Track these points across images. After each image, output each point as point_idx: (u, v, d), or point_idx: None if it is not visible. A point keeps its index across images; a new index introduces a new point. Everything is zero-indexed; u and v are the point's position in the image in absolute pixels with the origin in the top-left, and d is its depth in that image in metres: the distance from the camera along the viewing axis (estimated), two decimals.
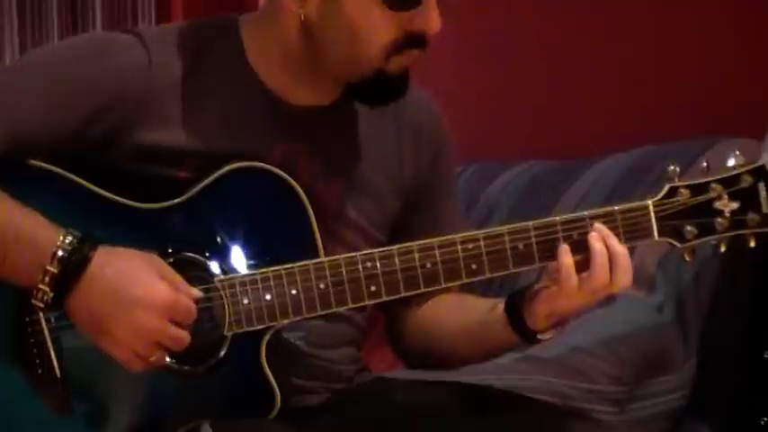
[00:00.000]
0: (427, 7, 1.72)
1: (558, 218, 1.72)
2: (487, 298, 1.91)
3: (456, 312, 1.89)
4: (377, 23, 1.71)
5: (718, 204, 1.71)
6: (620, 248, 1.70)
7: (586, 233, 1.71)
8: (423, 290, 1.73)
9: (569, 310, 1.74)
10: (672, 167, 1.72)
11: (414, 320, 1.93)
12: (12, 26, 3.79)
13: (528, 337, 1.77)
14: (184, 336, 1.67)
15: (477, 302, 1.89)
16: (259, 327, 1.72)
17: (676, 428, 2.51)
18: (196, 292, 1.69)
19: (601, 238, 1.70)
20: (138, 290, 1.66)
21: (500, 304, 1.80)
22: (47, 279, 1.65)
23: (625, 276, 1.70)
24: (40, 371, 1.72)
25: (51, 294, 1.66)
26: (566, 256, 1.70)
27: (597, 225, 1.71)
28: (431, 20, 1.73)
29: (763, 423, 2.38)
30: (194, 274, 1.71)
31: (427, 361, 1.93)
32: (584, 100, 3.17)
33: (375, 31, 1.72)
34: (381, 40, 1.73)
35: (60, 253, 1.65)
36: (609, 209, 1.73)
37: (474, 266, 1.73)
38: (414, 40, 1.74)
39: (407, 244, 1.73)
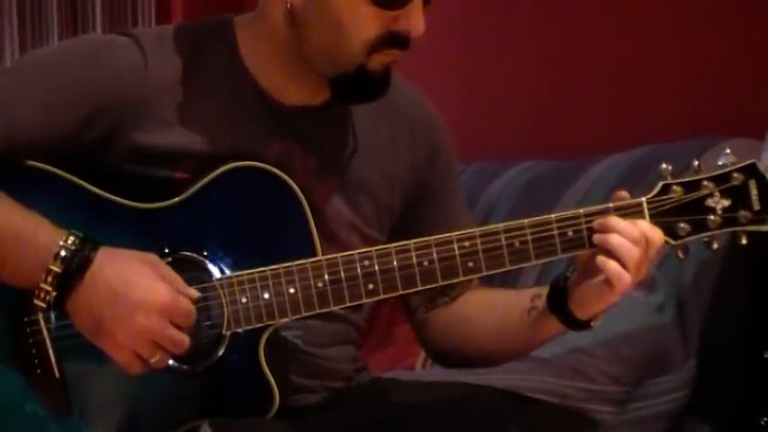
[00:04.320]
0: (413, 9, 1.73)
1: (553, 215, 1.73)
2: (516, 290, 1.91)
3: (492, 312, 1.89)
4: (362, 18, 1.72)
5: (710, 202, 1.72)
6: (618, 222, 1.70)
7: (581, 230, 1.71)
8: (420, 287, 1.73)
9: (627, 292, 1.72)
10: (665, 165, 1.73)
11: (444, 323, 1.93)
12: (12, 26, 3.80)
13: (579, 325, 1.77)
14: (184, 339, 1.67)
15: (509, 299, 1.89)
16: (257, 326, 1.72)
17: (676, 428, 2.51)
18: (194, 292, 1.70)
19: (607, 232, 1.70)
20: (138, 292, 1.66)
21: (537, 299, 1.80)
22: (49, 278, 1.66)
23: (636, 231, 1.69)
24: (38, 371, 1.72)
25: (54, 294, 1.66)
26: (607, 263, 1.69)
27: (595, 224, 1.71)
28: (416, 22, 1.73)
29: (763, 423, 2.38)
30: (192, 273, 1.71)
31: (464, 362, 1.93)
32: (584, 100, 3.17)
33: (359, 25, 1.72)
34: (365, 36, 1.73)
35: (63, 253, 1.65)
36: (603, 206, 1.73)
37: (471, 264, 1.73)
38: (397, 40, 1.74)
39: (404, 242, 1.73)
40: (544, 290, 1.79)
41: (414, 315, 1.96)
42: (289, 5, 1.74)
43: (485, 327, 1.89)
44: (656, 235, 1.70)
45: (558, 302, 1.76)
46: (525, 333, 1.83)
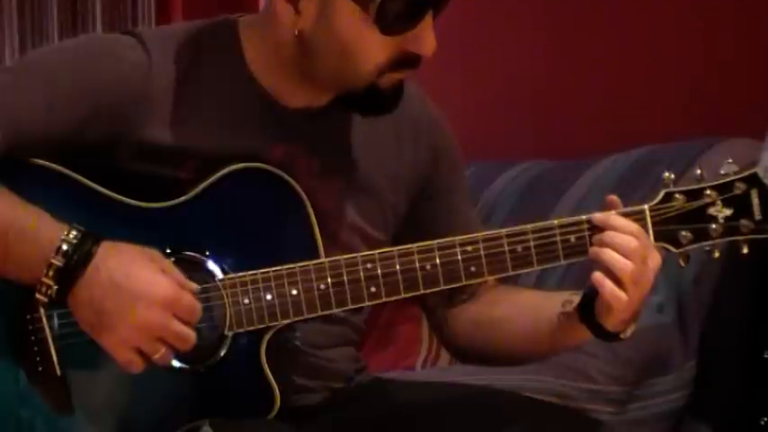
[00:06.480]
0: (422, 30, 1.71)
1: (555, 221, 1.73)
2: (546, 292, 1.91)
3: (520, 315, 1.87)
4: (370, 45, 1.71)
5: (712, 210, 1.72)
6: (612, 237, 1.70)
7: (584, 237, 1.72)
8: (422, 291, 1.73)
9: (636, 306, 1.73)
10: (667, 174, 1.74)
11: (466, 322, 1.92)
12: (12, 26, 3.80)
13: (610, 337, 1.76)
14: (189, 333, 1.67)
15: (539, 301, 1.87)
16: (259, 327, 1.72)
17: (676, 428, 2.52)
18: (194, 285, 1.69)
19: (600, 247, 1.70)
20: (140, 285, 1.65)
21: (569, 304, 1.78)
22: (51, 272, 1.65)
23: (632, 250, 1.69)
24: (40, 369, 1.71)
25: (55, 288, 1.66)
26: (602, 283, 1.68)
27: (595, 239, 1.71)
28: (426, 43, 1.72)
29: (763, 423, 2.39)
30: (194, 273, 1.71)
31: (487, 361, 1.93)
32: (585, 100, 3.17)
33: (368, 51, 1.71)
34: (374, 61, 1.72)
35: (65, 246, 1.65)
36: (607, 213, 1.73)
37: (473, 269, 1.73)
38: (407, 61, 1.73)
39: (407, 246, 1.73)
40: (576, 295, 1.78)
41: (433, 314, 1.96)
42: (297, 32, 1.74)
43: (511, 329, 1.87)
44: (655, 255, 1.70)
45: (589, 311, 1.74)
46: (555, 336, 1.81)
